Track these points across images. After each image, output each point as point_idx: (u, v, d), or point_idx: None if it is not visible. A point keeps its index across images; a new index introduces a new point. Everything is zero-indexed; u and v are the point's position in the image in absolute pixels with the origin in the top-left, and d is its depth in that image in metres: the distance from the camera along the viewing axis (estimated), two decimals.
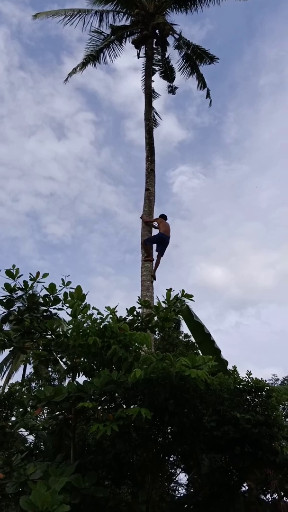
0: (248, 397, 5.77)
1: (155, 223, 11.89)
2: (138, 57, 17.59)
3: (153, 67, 17.98)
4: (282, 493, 6.62)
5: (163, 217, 12.06)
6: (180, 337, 22.70)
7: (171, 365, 5.49)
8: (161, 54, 18.81)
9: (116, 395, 6.57)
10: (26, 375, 27.27)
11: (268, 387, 5.91)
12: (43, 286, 6.58)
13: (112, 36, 17.71)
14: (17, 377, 32.35)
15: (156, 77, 18.90)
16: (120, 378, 5.77)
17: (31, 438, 9.44)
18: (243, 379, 6.06)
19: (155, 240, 11.27)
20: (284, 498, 7.60)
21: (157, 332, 20.87)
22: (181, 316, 10.63)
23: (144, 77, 17.39)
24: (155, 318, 7.61)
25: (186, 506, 6.30)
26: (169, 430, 6.30)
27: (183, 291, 7.27)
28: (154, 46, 17.69)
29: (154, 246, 11.47)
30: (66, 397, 5.99)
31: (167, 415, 5.86)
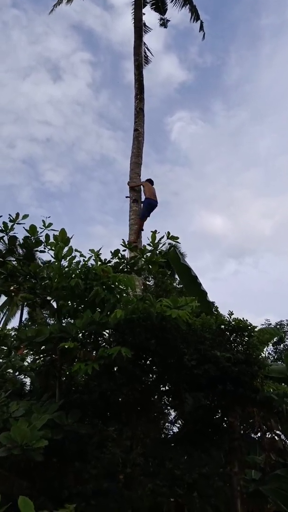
0: (230, 337, 5.78)
1: (142, 187, 11.44)
2: None
3: None
4: (265, 428, 6.79)
5: (150, 181, 11.48)
6: (175, 284, 22.84)
7: (152, 306, 5.46)
8: None
9: (100, 338, 6.61)
10: (22, 321, 27.69)
11: (249, 327, 5.92)
12: (23, 227, 6.44)
13: None
14: (14, 323, 32.88)
15: (147, 10, 17.83)
16: (102, 319, 5.76)
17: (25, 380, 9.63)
18: (225, 319, 6.06)
19: (147, 210, 10.86)
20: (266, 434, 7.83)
21: (150, 279, 20.97)
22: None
23: (134, 9, 16.42)
24: (142, 261, 7.54)
25: (170, 442, 6.46)
26: (153, 370, 6.36)
27: (168, 233, 7.15)
28: None
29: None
30: (49, 338, 6.01)
31: (149, 355, 5.88)
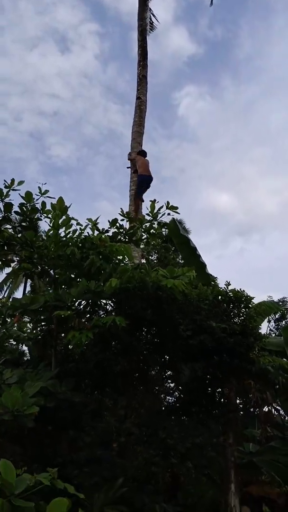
0: (227, 308, 5.69)
1: (136, 161, 10.97)
2: None
3: None
4: (261, 402, 6.77)
5: (142, 153, 11.03)
6: (178, 259, 22.73)
7: (147, 275, 5.36)
8: None
9: (97, 308, 6.55)
10: (25, 294, 27.76)
11: (246, 298, 5.82)
12: (19, 194, 6.30)
13: None
14: (18, 296, 33.03)
15: None
16: (98, 288, 5.67)
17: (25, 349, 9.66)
18: (222, 290, 5.96)
19: (142, 187, 10.44)
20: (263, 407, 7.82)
21: (153, 254, 20.88)
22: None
23: None
24: (140, 232, 7.42)
25: (165, 412, 6.45)
26: (149, 340, 6.31)
27: (168, 203, 6.98)
28: None
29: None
30: (44, 306, 5.95)
31: (145, 325, 5.82)
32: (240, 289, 5.84)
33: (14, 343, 8.29)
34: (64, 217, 6.61)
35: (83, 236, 6.42)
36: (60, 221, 6.47)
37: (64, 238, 6.33)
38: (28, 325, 8.27)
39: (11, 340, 8.14)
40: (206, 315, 5.58)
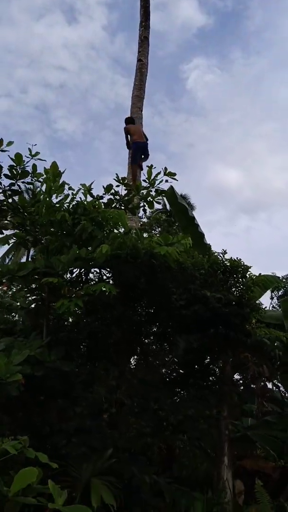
0: (223, 277, 5.45)
1: (130, 132, 10.41)
2: None
3: None
4: (257, 375, 6.60)
5: (131, 121, 10.44)
6: (180, 234, 22.46)
7: (139, 241, 5.12)
8: None
9: (89, 276, 6.35)
10: None
11: (243, 267, 5.57)
12: (8, 155, 6.02)
13: None
14: None
15: None
16: (88, 255, 5.45)
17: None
18: (218, 258, 5.71)
19: (137, 153, 9.94)
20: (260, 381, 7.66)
21: (156, 228, 20.58)
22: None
23: None
24: (138, 200, 7.15)
25: (158, 383, 6.29)
26: (142, 310, 6.12)
27: (165, 168, 6.69)
28: None
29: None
30: (33, 272, 5.75)
31: (138, 293, 5.61)
32: (237, 258, 5.60)
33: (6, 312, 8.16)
34: (57, 183, 6.36)
35: (75, 202, 6.16)
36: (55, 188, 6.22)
37: (56, 204, 6.08)
38: (23, 294, 8.12)
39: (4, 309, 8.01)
40: (201, 284, 5.35)
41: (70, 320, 7.15)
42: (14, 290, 8.02)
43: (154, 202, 7.08)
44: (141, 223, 12.71)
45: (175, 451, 8.50)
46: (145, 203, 7.04)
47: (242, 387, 8.64)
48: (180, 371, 6.45)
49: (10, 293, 8.54)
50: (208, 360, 6.37)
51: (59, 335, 6.45)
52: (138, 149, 9.68)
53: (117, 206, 6.92)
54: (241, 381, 8.33)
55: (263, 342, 5.59)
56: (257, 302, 5.82)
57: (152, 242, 5.13)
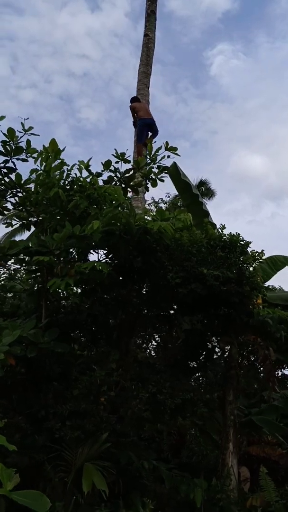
0: (222, 254, 5.14)
1: (136, 109, 9.95)
2: None
3: None
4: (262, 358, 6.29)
5: (135, 99, 10.02)
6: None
7: (131, 216, 4.86)
8: None
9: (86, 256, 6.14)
10: None
11: (242, 242, 5.25)
12: (1, 131, 5.81)
13: None
14: None
15: None
16: (82, 233, 5.22)
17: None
18: (216, 234, 5.40)
19: (141, 131, 9.44)
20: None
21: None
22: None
23: None
24: (139, 177, 6.87)
25: (158, 366, 6.07)
26: (140, 291, 5.89)
27: (167, 143, 6.39)
28: None
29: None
30: (25, 251, 5.58)
31: (134, 272, 5.37)
32: (236, 233, 5.27)
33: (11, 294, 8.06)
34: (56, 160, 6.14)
35: (70, 178, 5.93)
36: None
37: (50, 180, 5.86)
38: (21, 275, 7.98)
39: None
40: (198, 262, 5.05)
41: (71, 302, 6.98)
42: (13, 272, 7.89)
43: (158, 180, 6.81)
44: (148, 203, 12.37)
45: (186, 437, 8.32)
46: (147, 181, 6.77)
47: (248, 371, 8.33)
48: (182, 353, 6.19)
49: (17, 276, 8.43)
50: (211, 342, 6.09)
51: (58, 317, 6.28)
52: (144, 126, 9.26)
53: (118, 184, 6.66)
54: (246, 364, 8.02)
55: (266, 322, 5.28)
56: (259, 280, 5.46)
57: (145, 217, 4.86)
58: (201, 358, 6.13)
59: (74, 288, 6.67)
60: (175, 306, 6.10)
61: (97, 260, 6.22)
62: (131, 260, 5.17)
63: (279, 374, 9.64)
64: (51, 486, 5.03)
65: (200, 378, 6.45)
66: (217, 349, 6.65)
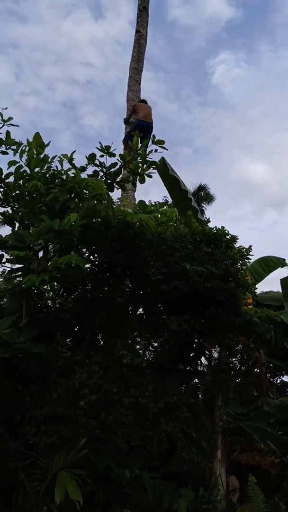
0: (207, 249, 4.85)
1: (137, 109, 9.56)
2: None
3: None
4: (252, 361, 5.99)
5: (143, 101, 9.71)
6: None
7: (109, 208, 4.59)
8: None
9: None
10: None
11: (227, 237, 4.96)
12: None
13: None
14: None
15: None
16: (62, 227, 4.96)
17: None
18: (200, 228, 5.10)
19: (132, 130, 8.92)
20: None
21: None
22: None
23: None
24: (127, 172, 6.61)
25: (143, 368, 5.76)
26: (124, 288, 5.61)
27: (153, 136, 6.13)
28: None
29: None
30: (2, 246, 5.32)
31: (119, 271, 5.09)
32: (222, 227, 4.99)
33: None
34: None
35: (52, 171, 5.68)
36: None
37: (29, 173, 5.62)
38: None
39: None
40: (182, 257, 4.76)
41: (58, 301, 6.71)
42: None
43: (145, 176, 6.56)
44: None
45: (177, 444, 7.98)
46: (135, 177, 6.52)
47: (246, 377, 8.01)
48: (168, 355, 5.88)
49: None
50: (198, 343, 5.78)
51: (39, 317, 6.00)
52: (137, 126, 8.89)
53: (104, 179, 6.40)
54: (244, 370, 7.70)
55: (253, 322, 4.99)
56: (249, 278, 5.18)
57: (124, 209, 4.60)
58: (186, 360, 5.82)
59: (56, 286, 6.43)
60: (160, 306, 5.80)
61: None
62: (112, 256, 4.89)
63: (278, 381, 9.34)
64: (24, 495, 4.73)
65: (185, 382, 6.12)
66: (207, 352, 6.36)
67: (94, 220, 4.74)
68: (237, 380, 7.68)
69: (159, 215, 5.17)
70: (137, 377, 5.41)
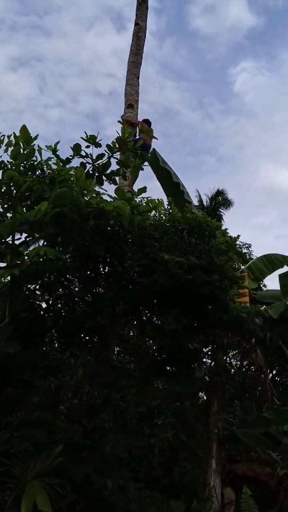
0: (189, 239, 4.45)
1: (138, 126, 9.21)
2: None
3: None
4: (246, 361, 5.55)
5: (146, 122, 9.28)
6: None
7: (81, 194, 4.26)
8: None
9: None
10: None
11: (210, 225, 4.54)
12: None
13: None
14: None
15: None
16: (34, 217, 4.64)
17: None
18: (180, 215, 4.68)
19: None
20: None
21: None
22: None
23: None
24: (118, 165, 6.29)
25: (126, 371, 5.39)
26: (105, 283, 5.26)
27: (141, 125, 5.81)
28: None
29: None
30: None
31: (96, 263, 4.75)
32: (203, 213, 4.58)
33: None
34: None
35: (31, 162, 5.38)
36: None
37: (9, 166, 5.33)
38: None
39: None
40: (164, 248, 4.37)
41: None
42: None
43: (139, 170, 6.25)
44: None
45: (179, 453, 7.54)
46: (124, 169, 6.19)
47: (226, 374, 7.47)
48: (158, 356, 5.48)
49: None
50: (186, 342, 5.35)
51: (21, 316, 5.70)
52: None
53: (91, 171, 6.09)
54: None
55: (240, 318, 4.56)
56: (243, 273, 4.75)
57: (97, 196, 4.27)
58: (175, 361, 5.42)
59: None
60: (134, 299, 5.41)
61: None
62: (88, 248, 4.55)
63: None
64: None
65: (178, 385, 5.70)
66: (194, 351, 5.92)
67: (65, 208, 4.40)
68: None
69: (143, 204, 4.80)
70: (121, 379, 5.03)
